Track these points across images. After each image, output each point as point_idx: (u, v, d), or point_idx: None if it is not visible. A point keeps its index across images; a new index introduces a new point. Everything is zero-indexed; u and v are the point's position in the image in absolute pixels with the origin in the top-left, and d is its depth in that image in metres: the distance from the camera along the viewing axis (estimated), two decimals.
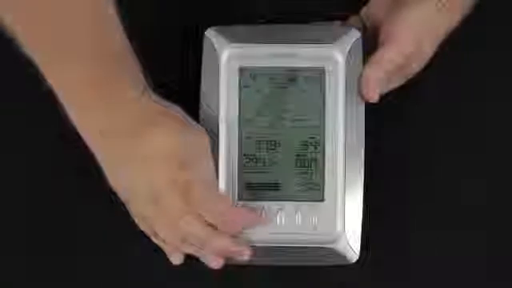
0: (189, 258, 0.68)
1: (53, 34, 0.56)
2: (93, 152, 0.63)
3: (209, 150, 0.65)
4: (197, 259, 0.67)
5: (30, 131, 0.73)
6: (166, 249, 0.68)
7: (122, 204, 0.66)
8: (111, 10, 0.58)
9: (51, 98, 0.60)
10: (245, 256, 0.66)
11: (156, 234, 0.67)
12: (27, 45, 0.57)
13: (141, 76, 0.62)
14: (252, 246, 0.66)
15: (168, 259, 0.69)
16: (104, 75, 0.59)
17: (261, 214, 0.67)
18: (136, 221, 0.67)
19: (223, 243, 0.66)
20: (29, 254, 0.72)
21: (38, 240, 0.72)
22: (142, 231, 0.68)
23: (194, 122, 0.65)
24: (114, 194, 0.65)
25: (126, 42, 0.60)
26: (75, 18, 0.56)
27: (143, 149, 0.62)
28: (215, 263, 0.67)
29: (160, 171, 0.63)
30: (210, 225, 0.65)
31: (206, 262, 0.67)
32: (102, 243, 0.72)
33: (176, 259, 0.69)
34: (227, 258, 0.67)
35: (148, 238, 0.68)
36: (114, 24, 0.59)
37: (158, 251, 0.68)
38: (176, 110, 0.65)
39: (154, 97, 0.64)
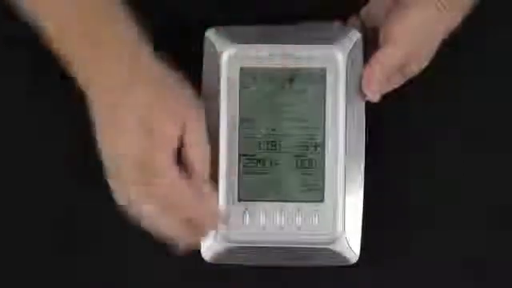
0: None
1: None
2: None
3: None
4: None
5: (30, 132, 0.73)
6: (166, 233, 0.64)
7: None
8: None
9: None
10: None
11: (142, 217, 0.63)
12: None
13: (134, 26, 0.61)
14: (252, 247, 0.67)
15: (167, 259, 0.69)
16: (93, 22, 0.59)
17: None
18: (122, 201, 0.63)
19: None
20: (29, 254, 0.72)
21: (39, 240, 0.72)
22: (141, 231, 0.67)
23: (190, 93, 0.63)
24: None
25: None
26: None
27: (121, 109, 0.60)
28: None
29: (130, 138, 0.60)
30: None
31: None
32: (102, 243, 0.72)
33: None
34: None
35: (147, 239, 0.68)
36: None
37: (157, 251, 0.69)
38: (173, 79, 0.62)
39: (155, 59, 0.62)
